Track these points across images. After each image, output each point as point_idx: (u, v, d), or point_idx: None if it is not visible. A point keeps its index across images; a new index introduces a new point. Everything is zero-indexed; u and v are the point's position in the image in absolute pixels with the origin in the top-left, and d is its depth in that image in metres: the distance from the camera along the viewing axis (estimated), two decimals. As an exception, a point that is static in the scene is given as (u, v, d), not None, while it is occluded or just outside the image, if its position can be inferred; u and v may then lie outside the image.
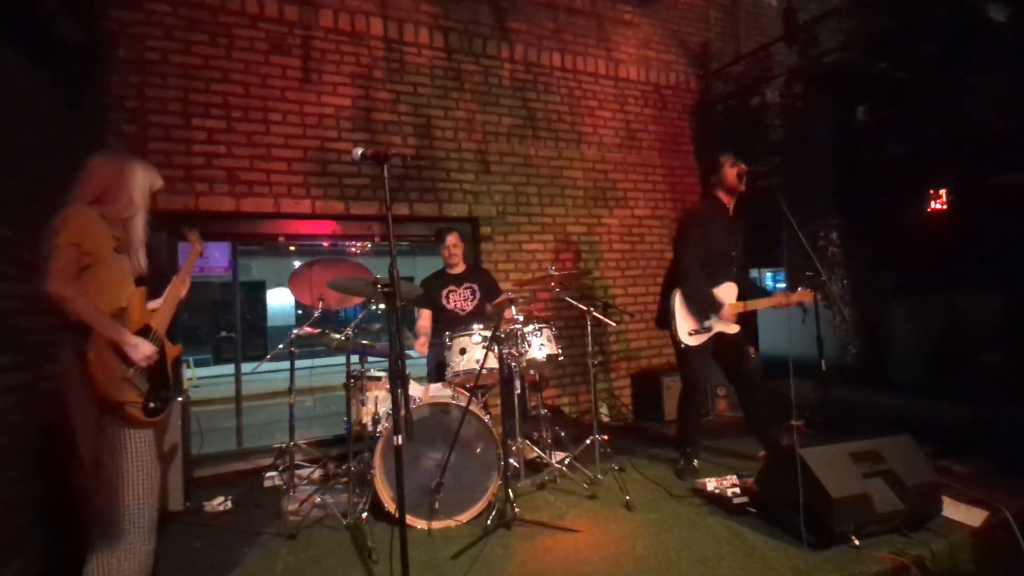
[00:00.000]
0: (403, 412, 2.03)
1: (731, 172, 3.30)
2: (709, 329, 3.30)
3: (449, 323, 3.64)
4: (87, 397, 1.89)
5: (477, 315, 3.82)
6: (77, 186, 1.98)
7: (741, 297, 3.34)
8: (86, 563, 1.90)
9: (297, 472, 3.53)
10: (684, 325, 3.31)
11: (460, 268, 4.01)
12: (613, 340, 5.25)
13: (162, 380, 2.06)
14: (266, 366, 4.53)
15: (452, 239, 3.95)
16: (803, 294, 3.04)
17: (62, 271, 1.83)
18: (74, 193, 1.96)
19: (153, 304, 2.21)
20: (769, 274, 9.98)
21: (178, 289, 2.31)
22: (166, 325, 2.19)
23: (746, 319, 3.41)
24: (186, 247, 2.51)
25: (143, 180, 2.09)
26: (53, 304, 1.82)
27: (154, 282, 2.23)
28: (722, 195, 3.39)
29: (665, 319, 3.39)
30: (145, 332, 2.03)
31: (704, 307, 3.27)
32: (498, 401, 3.97)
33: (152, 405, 1.98)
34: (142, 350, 1.95)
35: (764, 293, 3.52)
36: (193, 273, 2.45)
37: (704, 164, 5.54)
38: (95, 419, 1.91)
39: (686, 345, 3.30)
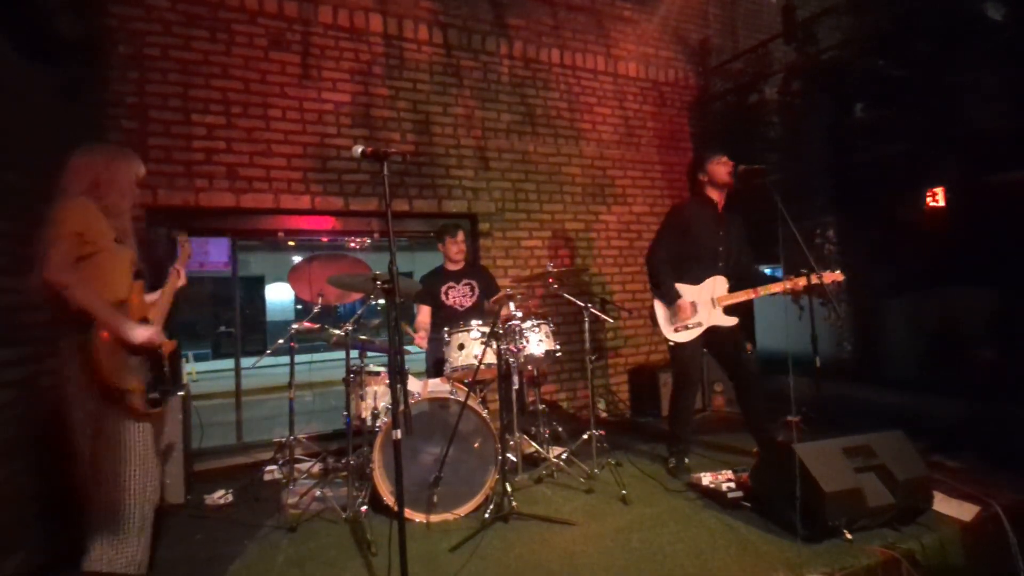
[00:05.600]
0: (402, 407, 2.05)
1: (718, 169, 3.30)
2: (699, 324, 3.30)
3: (448, 319, 3.66)
4: (88, 387, 1.89)
5: (476, 311, 3.85)
6: (66, 183, 1.97)
7: (737, 290, 3.33)
8: (84, 554, 1.92)
9: (297, 466, 3.56)
10: (667, 322, 3.34)
11: (460, 264, 4.03)
12: (611, 336, 5.27)
13: (160, 373, 2.07)
14: (266, 361, 4.54)
15: (461, 235, 3.96)
16: (793, 281, 3.07)
17: (62, 259, 1.83)
18: (65, 190, 1.96)
19: (150, 297, 2.23)
20: (768, 271, 10.02)
21: (174, 284, 2.32)
22: (162, 319, 2.21)
23: (742, 314, 3.41)
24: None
25: (131, 170, 2.10)
26: (51, 292, 1.81)
27: (153, 277, 2.25)
28: (711, 192, 3.39)
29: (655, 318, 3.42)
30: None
31: (665, 298, 3.32)
32: (496, 396, 4.00)
33: (153, 396, 2.00)
34: (142, 333, 1.95)
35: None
36: (192, 268, 2.46)
37: (691, 163, 5.55)
38: (94, 411, 1.91)
39: (673, 342, 3.33)
